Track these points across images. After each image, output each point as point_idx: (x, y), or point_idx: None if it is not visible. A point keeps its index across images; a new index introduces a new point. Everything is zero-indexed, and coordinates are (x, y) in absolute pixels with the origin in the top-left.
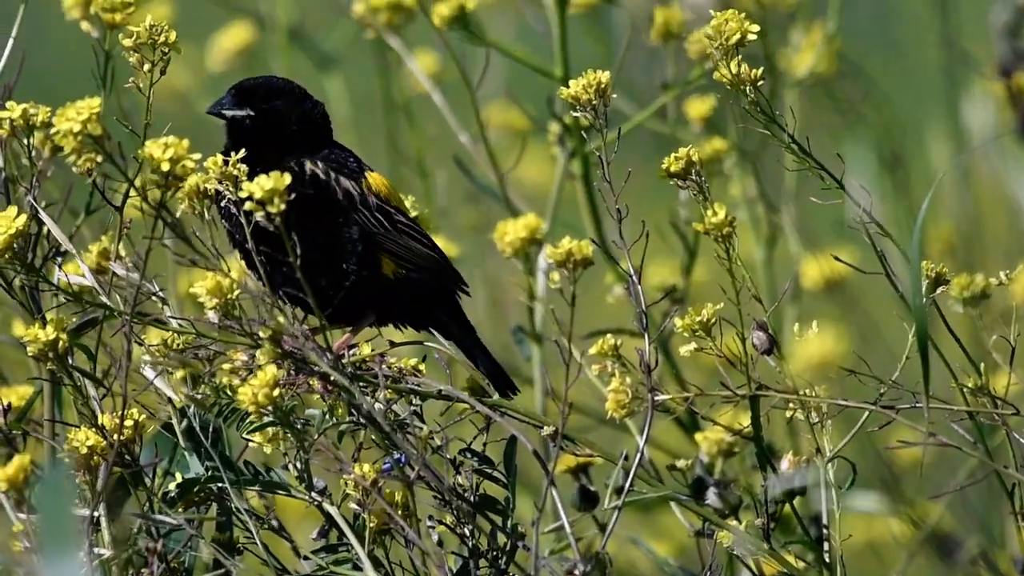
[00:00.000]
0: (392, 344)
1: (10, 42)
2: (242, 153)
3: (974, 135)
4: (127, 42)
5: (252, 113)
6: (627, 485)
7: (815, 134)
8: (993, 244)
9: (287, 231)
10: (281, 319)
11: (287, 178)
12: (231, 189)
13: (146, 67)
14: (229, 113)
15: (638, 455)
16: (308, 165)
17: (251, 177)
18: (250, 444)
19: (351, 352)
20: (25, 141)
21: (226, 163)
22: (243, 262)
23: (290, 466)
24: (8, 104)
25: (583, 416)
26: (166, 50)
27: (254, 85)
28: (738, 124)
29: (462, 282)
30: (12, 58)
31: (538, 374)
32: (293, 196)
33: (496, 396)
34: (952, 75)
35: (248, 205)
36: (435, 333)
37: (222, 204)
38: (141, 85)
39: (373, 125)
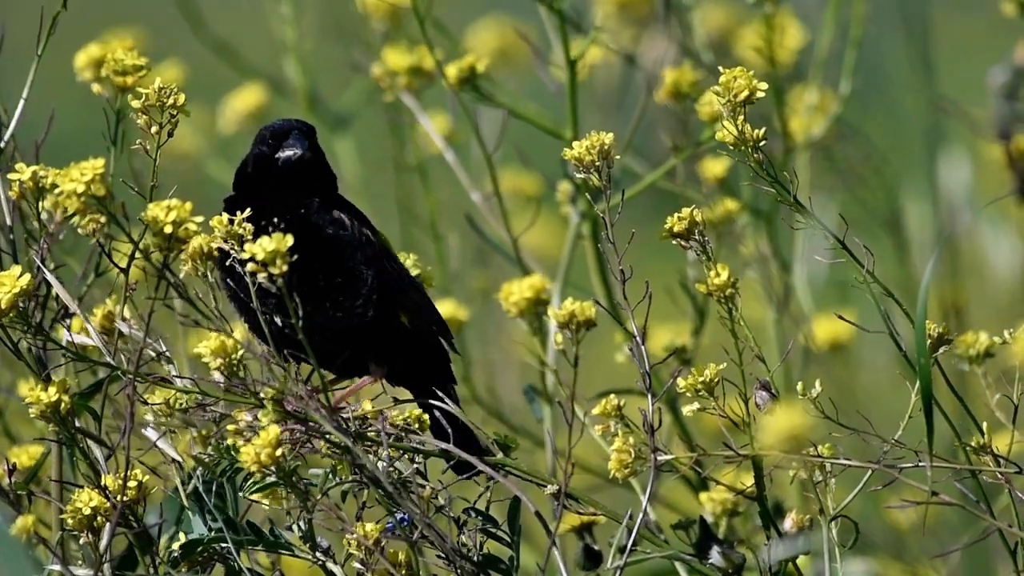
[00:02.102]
0: (396, 401)
1: (21, 102)
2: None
3: (951, 195)
4: (136, 104)
5: (312, 155)
6: (630, 544)
7: (815, 195)
8: (978, 306)
9: (289, 287)
10: (284, 379)
11: (289, 239)
12: (236, 249)
13: (154, 129)
14: (309, 154)
15: (642, 514)
16: (335, 211)
17: (288, 219)
18: (256, 503)
19: (353, 407)
20: (36, 202)
21: (231, 221)
22: (246, 322)
23: (294, 526)
24: (18, 166)
25: (592, 476)
26: (174, 112)
27: (303, 125)
28: (747, 183)
29: (452, 345)
30: (35, 116)
31: (548, 434)
32: (321, 239)
33: (500, 455)
34: (933, 136)
35: (250, 267)
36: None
37: (226, 263)
38: (149, 147)
39: (382, 186)
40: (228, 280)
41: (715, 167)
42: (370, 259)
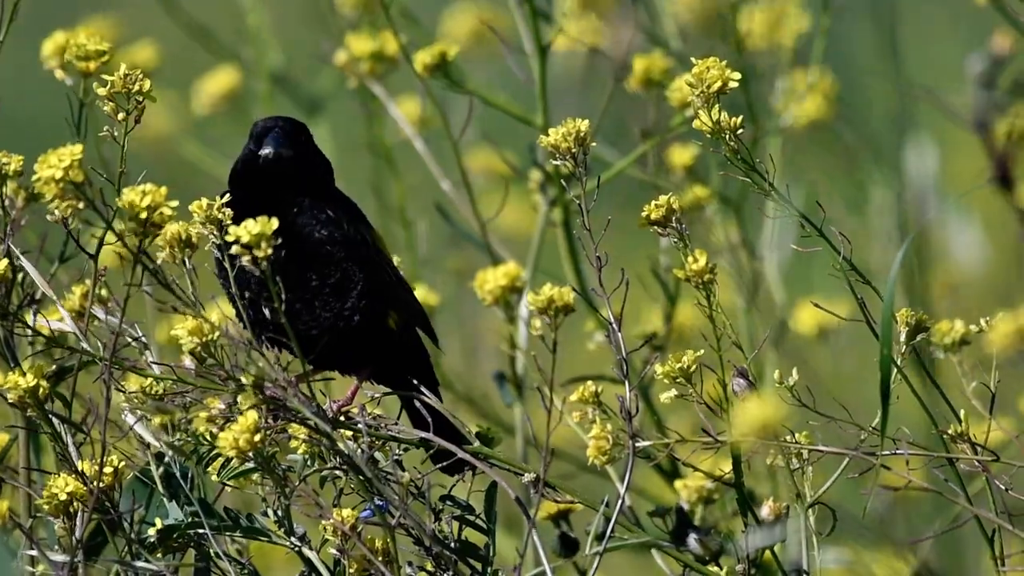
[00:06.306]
0: (375, 396)
1: None
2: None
3: (914, 183)
4: (101, 91)
5: (293, 153)
6: (608, 531)
7: (818, 179)
8: (946, 296)
9: (275, 274)
10: (263, 364)
11: (274, 223)
12: (215, 234)
13: (120, 115)
14: (287, 152)
15: (619, 501)
16: (328, 210)
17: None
18: (229, 489)
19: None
20: None
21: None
22: (239, 309)
23: (270, 511)
24: None
25: (565, 463)
26: (140, 99)
27: (291, 123)
28: (719, 172)
29: (434, 338)
30: (15, 103)
31: (519, 421)
32: (317, 238)
33: (477, 443)
34: (901, 123)
35: (234, 249)
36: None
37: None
38: (116, 134)
39: (358, 171)
40: (221, 262)
41: (682, 155)
42: (363, 260)
